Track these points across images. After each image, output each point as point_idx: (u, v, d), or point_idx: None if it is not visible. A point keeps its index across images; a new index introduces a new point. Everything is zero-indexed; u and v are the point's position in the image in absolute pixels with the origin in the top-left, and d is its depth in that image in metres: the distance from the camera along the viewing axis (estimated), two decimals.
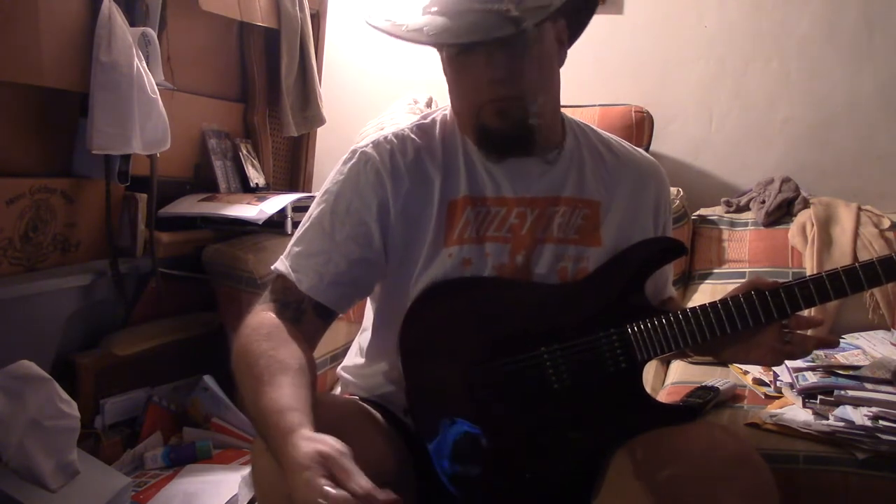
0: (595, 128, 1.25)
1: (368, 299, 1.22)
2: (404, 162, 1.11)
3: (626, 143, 1.25)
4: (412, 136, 1.15)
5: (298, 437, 0.81)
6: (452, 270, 1.09)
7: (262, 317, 1.04)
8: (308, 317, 1.07)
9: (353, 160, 1.13)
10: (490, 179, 1.13)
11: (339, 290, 1.08)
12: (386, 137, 1.14)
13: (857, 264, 1.02)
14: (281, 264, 1.10)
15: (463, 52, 1.05)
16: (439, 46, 1.08)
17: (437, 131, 1.17)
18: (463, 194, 1.12)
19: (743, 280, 1.12)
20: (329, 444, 0.79)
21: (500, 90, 1.05)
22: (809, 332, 1.08)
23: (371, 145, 1.13)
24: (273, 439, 0.85)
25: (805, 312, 1.08)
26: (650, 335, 1.07)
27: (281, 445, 0.82)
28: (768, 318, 1.05)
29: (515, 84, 1.05)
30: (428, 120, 1.19)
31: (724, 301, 1.06)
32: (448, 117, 1.18)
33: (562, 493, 1.09)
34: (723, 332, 1.06)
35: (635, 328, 1.07)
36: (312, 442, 0.80)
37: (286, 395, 0.88)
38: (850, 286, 1.02)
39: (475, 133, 1.11)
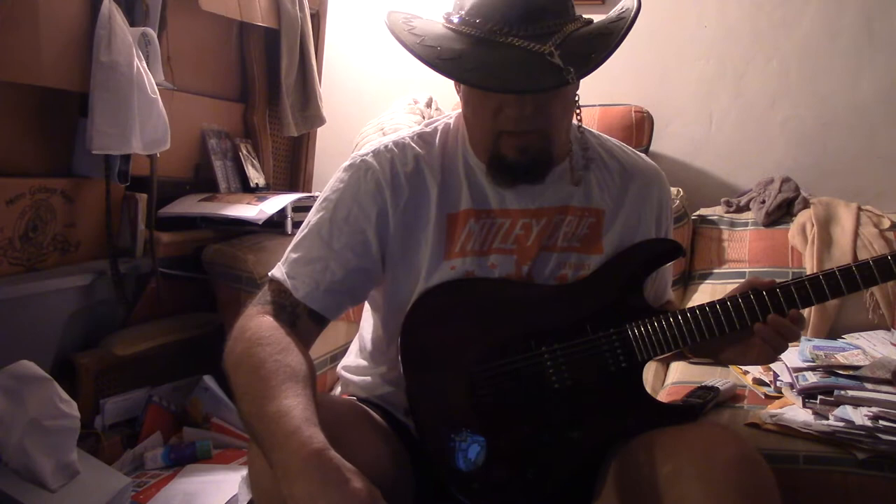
0: (597, 133, 1.24)
1: (367, 301, 1.22)
2: (404, 172, 1.11)
3: (627, 149, 1.25)
4: (412, 144, 1.14)
5: (332, 457, 0.81)
6: None
7: (261, 320, 1.03)
8: (303, 321, 1.06)
9: (354, 168, 1.12)
10: (493, 192, 1.12)
11: (334, 298, 1.08)
12: (386, 146, 1.13)
13: (852, 265, 1.03)
14: (278, 271, 1.10)
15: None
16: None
17: (438, 141, 1.16)
18: (464, 207, 1.11)
19: (743, 280, 1.12)
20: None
21: (524, 124, 1.03)
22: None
23: (371, 154, 1.12)
24: (283, 447, 0.83)
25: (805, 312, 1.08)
26: (650, 335, 1.07)
27: (296, 456, 0.81)
28: (766, 317, 1.05)
29: (541, 120, 1.03)
30: (430, 128, 1.18)
31: (722, 301, 1.07)
32: (451, 126, 1.17)
33: (563, 492, 1.09)
34: (721, 332, 1.06)
35: (635, 328, 1.08)
36: (361, 479, 0.81)
37: (296, 404, 0.87)
38: (846, 286, 1.03)
39: (489, 160, 1.09)
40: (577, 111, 1.14)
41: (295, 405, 0.86)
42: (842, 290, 1.03)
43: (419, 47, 1.02)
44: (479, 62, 0.98)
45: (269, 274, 1.11)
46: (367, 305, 1.23)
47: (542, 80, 0.96)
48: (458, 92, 1.12)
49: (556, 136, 1.08)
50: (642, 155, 1.26)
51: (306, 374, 0.93)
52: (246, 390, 0.93)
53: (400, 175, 1.11)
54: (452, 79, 1.02)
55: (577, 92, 1.10)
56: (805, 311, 1.09)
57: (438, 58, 0.99)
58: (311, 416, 0.86)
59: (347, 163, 1.14)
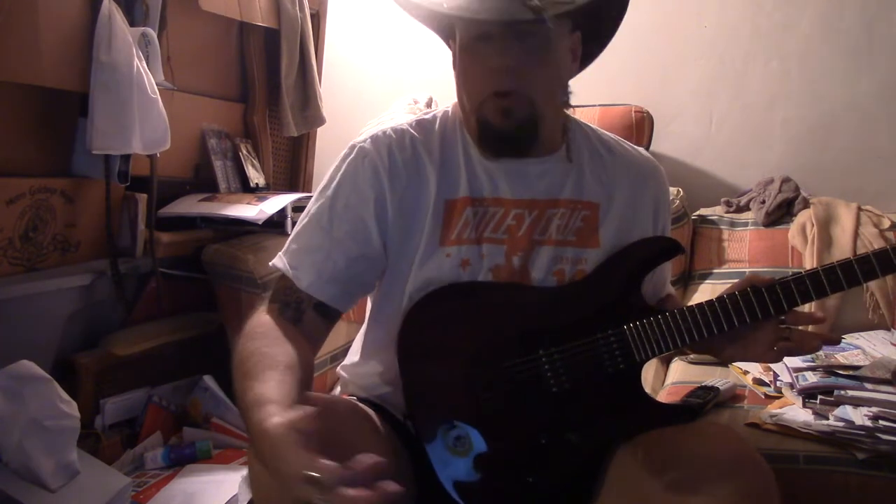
0: (595, 127, 1.25)
1: (368, 297, 1.22)
2: (402, 158, 1.11)
3: (625, 143, 1.25)
4: (411, 131, 1.15)
5: (269, 416, 0.81)
6: (450, 271, 1.09)
7: (260, 318, 1.04)
8: (308, 316, 1.07)
9: (351, 156, 1.12)
10: (488, 179, 1.12)
11: (338, 287, 1.08)
12: (385, 132, 1.14)
13: (852, 258, 1.02)
14: (279, 261, 1.10)
15: (478, 39, 1.05)
16: (459, 22, 1.07)
17: (437, 127, 1.16)
18: (463, 194, 1.11)
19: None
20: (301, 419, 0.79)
21: (508, 81, 1.04)
22: (810, 328, 1.08)
23: (369, 140, 1.13)
24: (251, 432, 0.84)
25: (805, 308, 1.08)
26: (648, 335, 1.07)
27: (254, 436, 0.81)
28: (765, 314, 1.04)
29: (524, 78, 1.05)
30: (429, 116, 1.19)
31: (720, 299, 1.06)
32: (449, 114, 1.18)
33: (563, 495, 1.08)
34: (720, 330, 1.05)
35: (633, 328, 1.07)
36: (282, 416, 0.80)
37: (269, 388, 0.87)
38: (846, 280, 1.01)
39: (476, 127, 1.10)
40: (569, 97, 1.15)
41: (263, 390, 0.87)
42: (841, 284, 1.02)
43: None
44: (461, 3, 1.02)
45: (271, 264, 1.11)
46: (367, 301, 1.23)
47: (518, 14, 0.99)
48: (454, 68, 1.12)
49: (542, 108, 1.08)
50: (639, 148, 1.26)
51: (288, 363, 0.93)
52: (235, 387, 0.95)
53: (398, 161, 1.11)
54: (434, 9, 1.04)
55: (572, 89, 1.12)
56: (805, 308, 1.07)
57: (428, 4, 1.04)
58: (280, 398, 0.85)
59: (346, 150, 1.14)
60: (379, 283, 1.16)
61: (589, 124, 1.24)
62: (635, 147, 1.26)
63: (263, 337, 0.99)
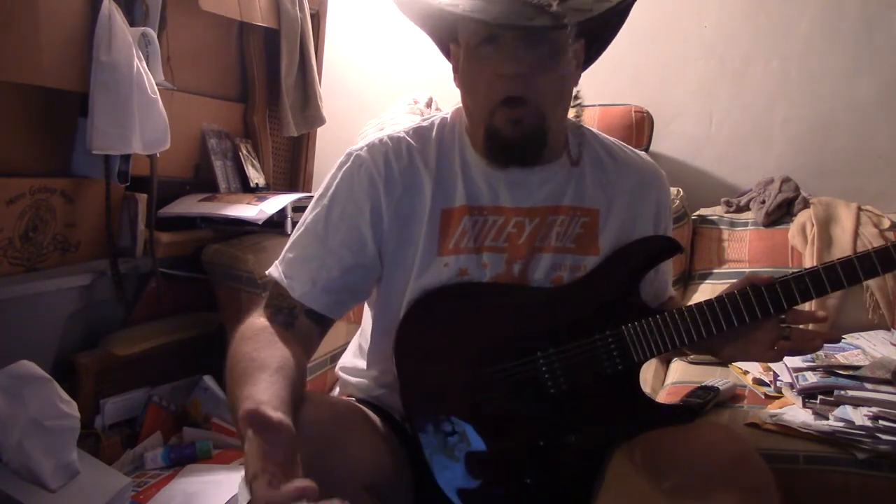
0: (597, 132, 1.24)
1: (367, 305, 1.22)
2: (399, 166, 1.10)
3: (627, 148, 1.24)
4: (408, 138, 1.13)
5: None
6: (448, 281, 1.09)
7: (252, 322, 1.04)
8: (300, 321, 1.06)
9: (348, 164, 1.12)
10: (488, 188, 1.11)
11: (332, 296, 1.08)
12: (381, 140, 1.13)
13: (853, 256, 1.01)
14: (275, 270, 1.10)
15: (487, 43, 1.02)
16: (470, 24, 1.03)
17: (434, 135, 1.15)
18: (460, 203, 1.10)
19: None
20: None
21: (519, 87, 1.02)
22: (810, 327, 1.08)
23: (365, 148, 1.12)
24: (242, 435, 0.83)
25: (805, 307, 1.07)
26: (646, 335, 1.07)
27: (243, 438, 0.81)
28: (764, 313, 1.04)
29: (535, 86, 1.02)
30: (426, 123, 1.17)
31: (719, 298, 1.06)
32: (448, 120, 1.17)
33: (561, 497, 1.08)
34: (719, 329, 1.05)
35: (631, 328, 1.07)
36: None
37: (259, 390, 0.88)
38: (846, 278, 1.01)
39: (484, 136, 1.08)
40: (579, 110, 1.15)
41: (252, 392, 0.87)
42: (842, 282, 1.01)
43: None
44: (477, 5, 0.98)
45: (267, 273, 1.11)
46: (366, 305, 1.23)
47: (537, 21, 0.96)
48: (455, 79, 1.10)
49: (550, 118, 1.06)
50: (642, 153, 1.25)
51: (277, 366, 0.93)
52: (227, 392, 0.96)
53: (394, 169, 1.10)
54: (450, 10, 1.00)
55: (578, 89, 1.11)
56: (805, 307, 1.07)
57: (439, 4, 1.01)
58: (269, 398, 0.85)
59: (342, 158, 1.13)
60: (377, 291, 1.16)
61: (591, 128, 1.23)
62: (637, 152, 1.24)
63: (254, 340, 0.99)
